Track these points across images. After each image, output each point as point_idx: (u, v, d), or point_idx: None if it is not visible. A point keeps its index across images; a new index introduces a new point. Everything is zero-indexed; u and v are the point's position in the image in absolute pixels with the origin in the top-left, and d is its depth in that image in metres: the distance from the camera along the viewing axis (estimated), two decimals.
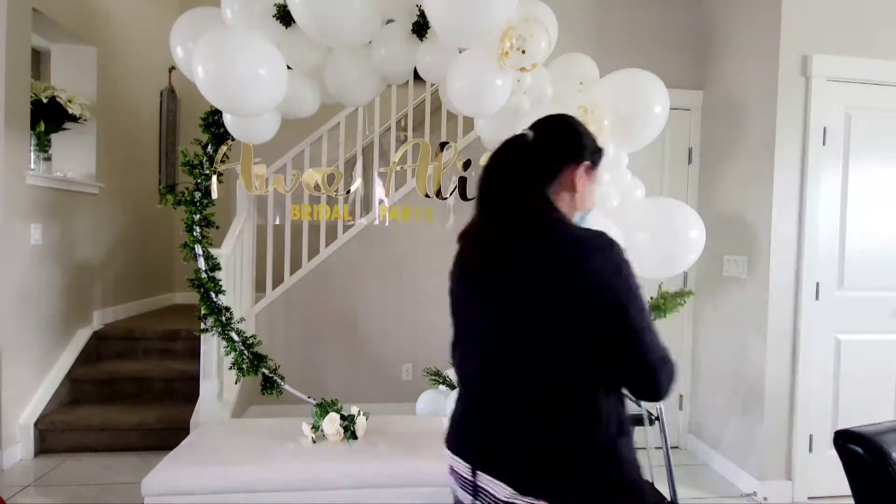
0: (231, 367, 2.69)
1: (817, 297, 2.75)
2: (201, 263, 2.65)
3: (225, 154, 2.53)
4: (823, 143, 2.74)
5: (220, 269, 2.69)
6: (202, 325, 2.70)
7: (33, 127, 3.23)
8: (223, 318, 2.65)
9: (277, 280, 3.66)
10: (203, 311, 2.66)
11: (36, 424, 3.06)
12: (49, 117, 3.33)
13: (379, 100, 3.67)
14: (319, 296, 3.66)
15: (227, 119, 2.34)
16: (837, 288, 2.78)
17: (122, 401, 3.38)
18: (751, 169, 2.90)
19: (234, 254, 3.12)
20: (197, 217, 2.61)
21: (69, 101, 3.37)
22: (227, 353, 2.68)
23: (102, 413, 3.21)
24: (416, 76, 2.67)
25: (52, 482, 2.77)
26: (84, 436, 3.13)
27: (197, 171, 2.59)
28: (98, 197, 3.77)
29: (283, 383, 2.71)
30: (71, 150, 3.65)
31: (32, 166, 3.28)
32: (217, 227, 2.70)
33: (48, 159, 3.43)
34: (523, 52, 2.12)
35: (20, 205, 3.02)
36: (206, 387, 2.84)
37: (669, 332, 3.32)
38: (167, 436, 2.92)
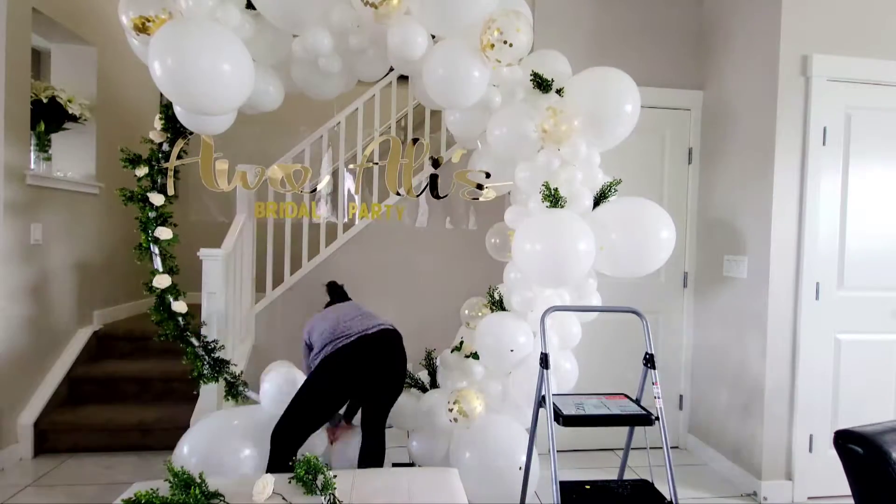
0: (190, 375, 2.59)
1: (817, 297, 2.75)
2: (158, 264, 2.52)
3: (182, 149, 2.40)
4: (823, 143, 2.74)
5: (177, 272, 2.58)
6: (160, 331, 2.57)
7: (33, 127, 3.23)
8: (179, 323, 2.54)
9: (277, 280, 3.66)
10: (155, 318, 2.53)
11: (36, 424, 3.06)
12: (49, 117, 3.33)
13: (379, 99, 3.69)
14: (319, 296, 3.66)
15: (178, 109, 2.29)
16: (837, 288, 2.78)
17: (123, 401, 3.38)
18: (751, 169, 2.90)
19: (234, 253, 3.12)
20: (152, 215, 2.49)
21: (69, 101, 3.38)
22: (186, 359, 2.58)
23: (102, 413, 3.21)
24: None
25: (52, 482, 2.77)
26: (84, 436, 3.13)
27: (154, 166, 2.48)
28: (98, 197, 3.77)
29: (246, 390, 2.64)
30: (71, 150, 3.65)
31: (32, 166, 3.28)
32: (175, 226, 2.58)
33: (48, 159, 3.43)
34: (511, 45, 2.11)
35: (20, 205, 3.02)
36: (207, 387, 2.83)
37: (670, 331, 3.34)
38: (167, 436, 2.92)
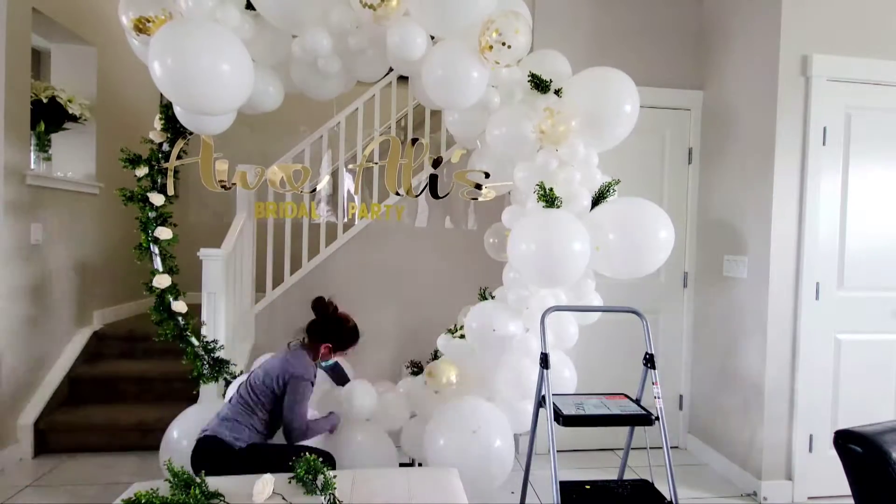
0: (190, 375, 2.60)
1: (817, 297, 2.75)
2: (158, 264, 2.53)
3: (182, 149, 2.42)
4: (823, 143, 2.74)
5: (177, 272, 2.59)
6: (160, 332, 2.59)
7: (33, 127, 3.23)
8: (179, 323, 2.55)
9: (277, 280, 3.66)
10: (154, 318, 2.55)
11: (36, 424, 3.06)
12: (49, 117, 3.33)
13: (379, 100, 3.69)
14: (320, 296, 3.66)
15: (178, 110, 2.31)
16: (837, 288, 2.78)
17: (123, 401, 3.38)
18: (751, 169, 2.90)
19: (234, 253, 3.12)
20: (152, 215, 2.50)
21: (69, 101, 3.37)
22: (186, 359, 2.60)
23: (102, 413, 3.21)
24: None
25: (52, 482, 2.77)
26: (84, 436, 3.13)
27: (154, 166, 2.50)
28: (98, 197, 3.77)
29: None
30: (71, 150, 3.65)
31: (32, 166, 3.28)
32: (175, 226, 2.59)
33: (48, 159, 3.43)
34: (509, 47, 2.10)
35: (20, 205, 3.02)
36: (206, 387, 2.83)
37: (670, 331, 3.34)
38: None
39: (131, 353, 3.68)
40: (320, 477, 1.67)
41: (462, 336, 2.58)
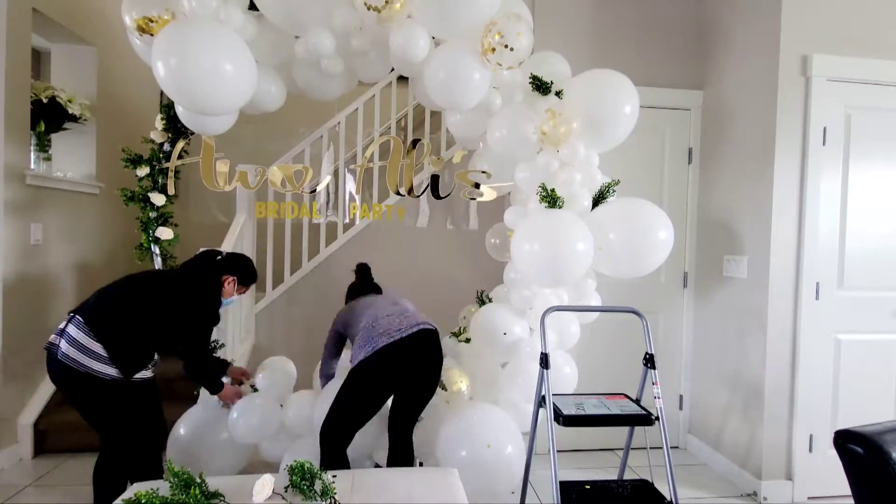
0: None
1: (817, 297, 2.75)
2: (158, 264, 2.54)
3: (183, 149, 2.43)
4: (823, 143, 2.74)
5: None
6: None
7: (33, 127, 3.23)
8: None
9: (277, 280, 3.66)
10: None
11: (36, 424, 3.06)
12: (49, 117, 3.33)
13: (379, 100, 3.70)
14: (320, 296, 3.66)
15: (180, 110, 2.32)
16: (837, 288, 2.78)
17: None
18: (751, 169, 2.90)
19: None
20: (153, 215, 2.52)
21: (69, 101, 3.37)
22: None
23: None
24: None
25: (52, 482, 2.77)
26: (84, 436, 3.09)
27: (155, 166, 2.51)
28: (98, 197, 3.77)
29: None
30: (71, 150, 3.65)
31: (32, 166, 3.28)
32: (176, 226, 2.60)
33: (48, 159, 3.43)
34: (511, 49, 2.12)
35: (20, 205, 3.02)
36: None
37: (670, 331, 3.34)
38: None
39: None
40: (318, 482, 1.66)
41: (468, 340, 2.58)
